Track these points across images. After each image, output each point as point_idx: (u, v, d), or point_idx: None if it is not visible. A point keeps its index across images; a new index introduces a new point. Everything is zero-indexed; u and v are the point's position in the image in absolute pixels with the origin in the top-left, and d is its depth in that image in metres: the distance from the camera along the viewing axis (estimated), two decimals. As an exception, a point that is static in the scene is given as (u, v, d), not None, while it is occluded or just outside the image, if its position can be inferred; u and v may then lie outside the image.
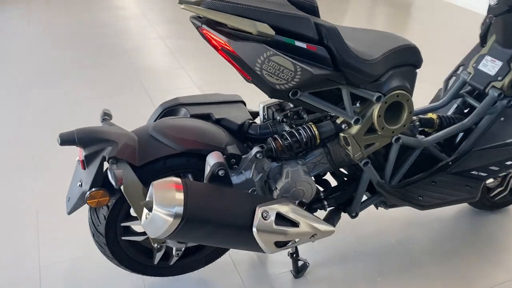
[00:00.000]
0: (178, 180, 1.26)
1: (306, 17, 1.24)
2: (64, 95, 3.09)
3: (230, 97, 1.64)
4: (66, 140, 1.27)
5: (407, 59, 1.48)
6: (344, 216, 2.05)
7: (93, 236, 1.46)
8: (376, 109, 1.45)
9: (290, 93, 1.30)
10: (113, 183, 1.21)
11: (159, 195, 1.20)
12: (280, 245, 1.38)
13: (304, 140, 1.46)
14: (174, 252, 1.56)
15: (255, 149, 1.44)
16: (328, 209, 1.67)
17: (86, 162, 1.30)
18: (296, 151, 1.48)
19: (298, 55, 1.25)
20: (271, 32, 1.20)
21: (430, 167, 1.78)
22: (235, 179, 1.43)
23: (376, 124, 1.47)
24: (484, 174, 1.77)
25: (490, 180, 2.07)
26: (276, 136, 1.46)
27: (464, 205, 2.17)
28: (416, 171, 1.76)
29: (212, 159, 1.35)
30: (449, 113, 1.88)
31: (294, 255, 1.72)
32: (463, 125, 1.72)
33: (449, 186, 1.74)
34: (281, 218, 1.35)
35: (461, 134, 1.82)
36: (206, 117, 1.54)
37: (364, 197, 1.72)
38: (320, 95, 1.39)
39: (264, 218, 1.31)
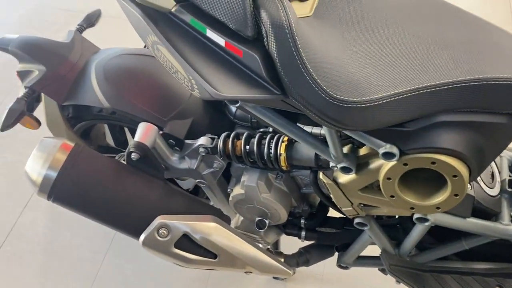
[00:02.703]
0: (70, 143, 1.00)
1: (237, -10, 0.64)
2: None
3: None
4: (2, 45, 1.10)
5: (497, 104, 0.73)
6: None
7: None
8: (385, 168, 0.81)
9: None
10: (0, 123, 1.03)
11: (35, 152, 0.98)
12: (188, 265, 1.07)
13: (264, 158, 0.96)
14: None
15: (201, 140, 1.02)
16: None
17: (20, 77, 1.12)
18: (251, 165, 1.01)
19: (212, 55, 0.70)
20: (162, 1, 0.67)
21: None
22: (177, 162, 1.08)
23: (382, 188, 0.85)
24: None
25: None
26: (234, 134, 1.00)
27: None
28: (484, 255, 1.07)
29: (137, 134, 1.01)
30: None
31: None
32: None
33: (523, 309, 1.02)
34: (190, 241, 1.01)
35: None
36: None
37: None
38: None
39: (160, 235, 0.99)
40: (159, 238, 0.99)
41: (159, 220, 0.99)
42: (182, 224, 0.99)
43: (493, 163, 1.02)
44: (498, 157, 1.05)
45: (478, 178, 0.96)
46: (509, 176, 1.01)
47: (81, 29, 1.19)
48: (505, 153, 1.05)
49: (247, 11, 0.65)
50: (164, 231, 0.99)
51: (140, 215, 1.01)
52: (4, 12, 2.36)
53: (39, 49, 1.08)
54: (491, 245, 1.02)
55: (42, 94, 1.10)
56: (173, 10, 0.69)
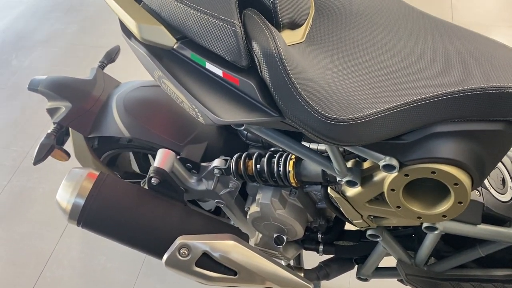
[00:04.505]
0: (96, 172, 1.07)
1: (230, 25, 0.70)
2: None
3: None
4: (33, 86, 1.20)
5: (490, 112, 0.75)
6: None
7: None
8: (388, 180, 0.84)
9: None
10: (33, 157, 1.12)
11: (64, 182, 1.06)
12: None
13: (275, 176, 1.00)
14: None
15: (215, 162, 1.08)
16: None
17: (50, 114, 1.22)
18: (264, 183, 1.05)
19: (212, 84, 0.76)
20: (164, 40, 0.74)
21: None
22: (195, 184, 1.14)
23: (387, 199, 0.87)
24: None
25: None
26: (245, 154, 1.05)
27: None
28: (504, 261, 1.06)
29: (156, 160, 1.08)
30: None
31: None
32: None
33: (547, 315, 1.00)
34: (211, 259, 1.06)
35: None
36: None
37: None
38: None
39: (181, 255, 1.04)
40: (180, 257, 1.05)
41: (179, 240, 1.04)
42: (201, 243, 1.04)
43: (504, 169, 1.03)
44: (510, 163, 1.05)
45: (488, 185, 0.96)
46: None
47: (102, 65, 1.28)
48: (517, 158, 1.06)
49: (240, 44, 0.71)
50: (185, 251, 1.04)
51: (162, 236, 1.06)
52: (41, 52, 2.54)
53: (64, 88, 1.18)
54: (509, 251, 1.02)
55: (70, 128, 1.19)
56: (174, 47, 0.76)
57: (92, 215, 1.06)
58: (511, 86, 0.72)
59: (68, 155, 1.24)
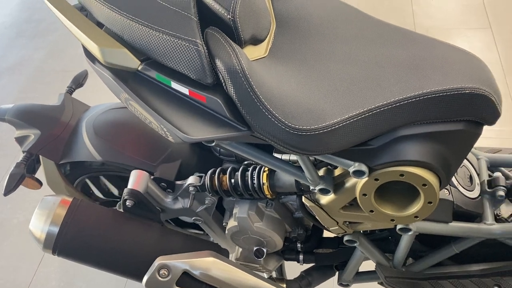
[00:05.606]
0: (69, 198, 1.06)
1: (192, 45, 0.71)
2: None
3: None
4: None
5: (450, 113, 0.78)
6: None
7: None
8: (359, 185, 0.86)
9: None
10: (3, 188, 1.10)
11: (37, 211, 1.04)
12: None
13: (249, 189, 1.01)
14: None
15: (190, 180, 1.08)
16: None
17: (19, 143, 1.20)
18: (240, 197, 1.06)
19: (179, 103, 0.77)
20: (128, 62, 0.75)
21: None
22: (171, 203, 1.14)
23: (360, 204, 0.89)
24: None
25: None
26: (219, 170, 1.05)
27: None
28: (479, 256, 1.09)
29: (130, 182, 1.07)
30: None
31: None
32: None
33: (523, 306, 1.03)
34: (191, 278, 1.05)
35: None
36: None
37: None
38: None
39: (161, 275, 1.03)
40: (160, 278, 1.03)
41: (158, 261, 1.03)
42: (181, 262, 1.04)
43: (470, 167, 1.06)
44: (476, 160, 1.08)
45: (456, 183, 0.99)
46: (489, 176, 1.04)
47: (70, 90, 1.27)
48: (483, 155, 1.09)
49: (204, 62, 0.72)
50: (165, 272, 1.03)
51: (140, 259, 1.05)
52: (7, 79, 2.50)
53: (32, 115, 1.17)
54: (483, 245, 1.04)
55: (40, 156, 1.18)
56: (139, 68, 0.77)
57: (67, 242, 1.04)
58: (467, 87, 0.75)
59: (40, 183, 1.22)
